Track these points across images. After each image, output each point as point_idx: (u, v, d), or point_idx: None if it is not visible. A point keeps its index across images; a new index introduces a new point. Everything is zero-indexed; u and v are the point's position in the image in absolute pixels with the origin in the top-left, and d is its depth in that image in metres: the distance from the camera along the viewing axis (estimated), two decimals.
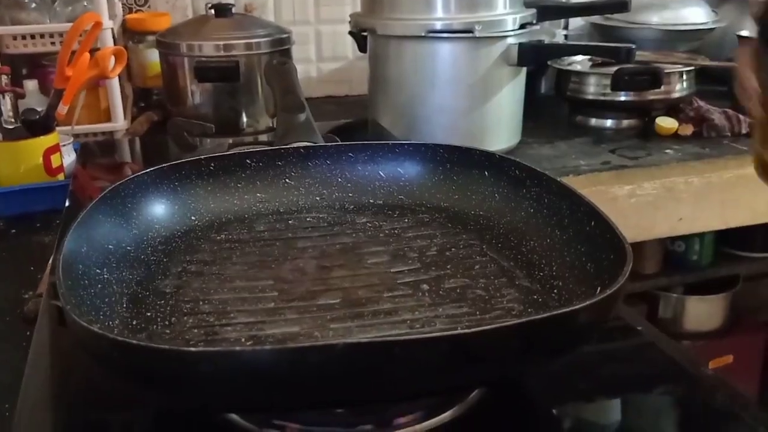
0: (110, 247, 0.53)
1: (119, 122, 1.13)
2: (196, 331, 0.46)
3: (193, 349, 0.34)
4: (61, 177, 0.93)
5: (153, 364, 0.35)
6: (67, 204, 0.83)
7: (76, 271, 0.47)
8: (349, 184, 0.66)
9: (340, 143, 0.68)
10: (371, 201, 0.65)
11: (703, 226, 1.22)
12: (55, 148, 0.92)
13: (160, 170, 0.60)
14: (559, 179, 0.56)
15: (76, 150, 1.01)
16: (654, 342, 0.55)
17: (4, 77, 0.94)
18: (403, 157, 0.66)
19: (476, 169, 0.64)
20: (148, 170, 0.60)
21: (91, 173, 0.98)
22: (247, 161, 0.65)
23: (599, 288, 0.47)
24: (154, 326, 0.47)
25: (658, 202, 1.18)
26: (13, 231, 0.92)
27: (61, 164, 0.94)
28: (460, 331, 0.36)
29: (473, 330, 0.36)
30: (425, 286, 0.52)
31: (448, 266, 0.54)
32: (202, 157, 0.63)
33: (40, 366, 0.52)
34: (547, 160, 1.14)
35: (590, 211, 0.52)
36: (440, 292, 0.51)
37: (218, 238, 0.59)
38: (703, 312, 1.45)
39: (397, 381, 0.38)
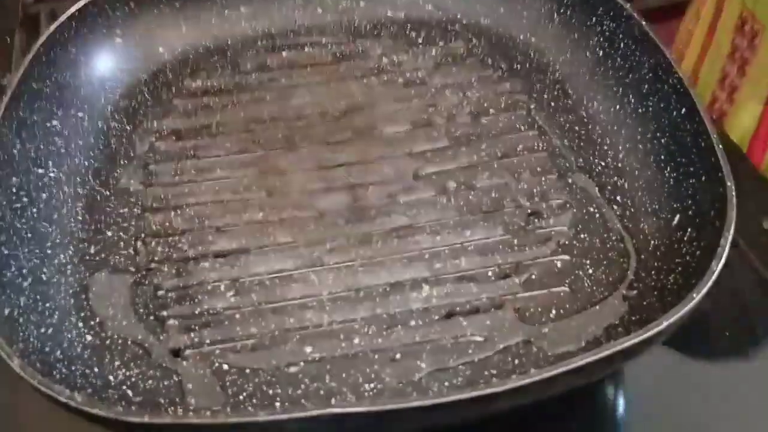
0: (55, 123, 0.42)
1: None
2: (165, 269, 0.37)
3: (158, 421, 0.26)
4: None
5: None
6: None
7: (7, 193, 0.37)
8: None
9: None
10: (389, 14, 0.50)
11: None
12: None
13: None
14: (644, 24, 0.40)
15: None
16: None
17: None
18: None
19: None
20: None
21: None
22: None
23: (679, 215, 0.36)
24: (116, 257, 0.38)
25: None
26: None
27: None
28: (497, 388, 0.27)
29: (505, 387, 0.27)
30: (452, 185, 0.41)
31: (484, 145, 0.42)
32: None
33: None
34: None
35: (681, 89, 0.38)
36: (470, 197, 0.40)
37: (194, 85, 0.47)
38: None
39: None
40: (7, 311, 0.32)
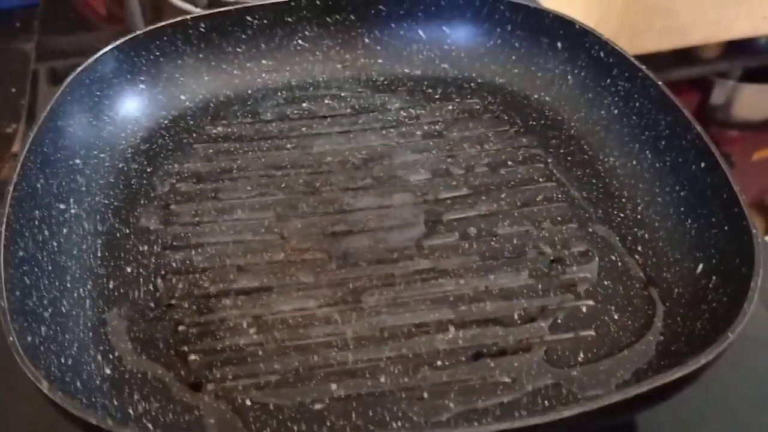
0: (77, 162, 0.42)
1: None
2: (186, 305, 0.37)
3: None
4: None
5: None
6: None
7: (30, 226, 0.36)
8: (378, 47, 0.52)
9: None
10: (406, 71, 0.52)
11: None
12: None
13: (133, 41, 0.47)
14: (661, 84, 0.42)
15: None
16: None
17: None
18: (450, 13, 0.51)
19: (547, 37, 0.49)
20: (117, 43, 0.46)
21: None
22: (248, 18, 0.50)
23: (702, 264, 0.36)
24: (136, 293, 0.38)
25: None
26: None
27: None
28: (559, 414, 0.26)
29: (574, 413, 0.26)
30: (473, 231, 0.41)
31: (503, 195, 0.43)
32: (188, 17, 0.49)
33: None
34: None
35: (701, 145, 0.39)
36: (492, 242, 0.40)
37: (214, 131, 0.47)
38: (757, 101, 1.34)
39: None
40: (29, 339, 0.31)
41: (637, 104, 0.44)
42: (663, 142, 0.42)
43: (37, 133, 0.39)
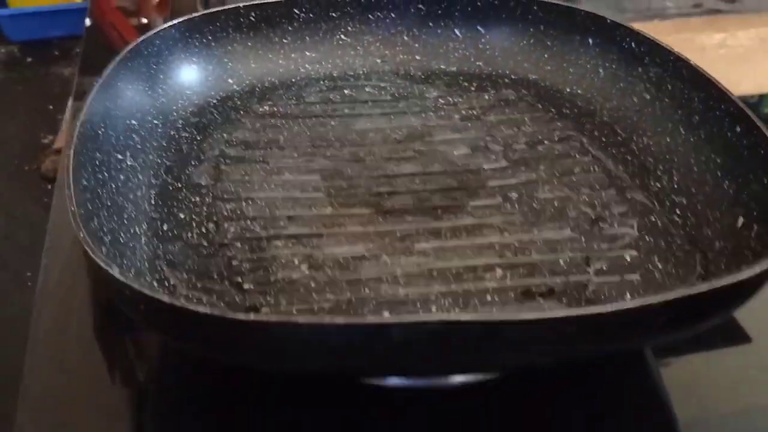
0: (134, 122, 0.44)
1: None
2: (239, 245, 0.38)
3: (244, 317, 0.26)
4: None
5: (189, 326, 0.27)
6: (87, 23, 0.71)
7: (92, 163, 0.38)
8: (416, 45, 0.54)
9: None
10: (443, 67, 0.54)
11: None
12: None
13: (190, 22, 0.49)
14: (692, 62, 0.44)
15: None
16: None
17: None
18: (485, 13, 0.54)
19: (578, 35, 0.51)
20: (175, 22, 0.48)
21: None
22: (295, 11, 0.53)
23: (743, 218, 0.37)
24: (189, 234, 0.39)
25: (749, 54, 1.04)
26: (29, 60, 0.82)
27: None
28: (589, 310, 0.27)
29: (609, 310, 0.27)
30: (514, 195, 0.42)
31: (542, 167, 0.44)
32: (241, 5, 0.51)
33: (62, 235, 0.44)
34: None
35: (735, 111, 0.40)
36: (534, 204, 0.41)
37: (261, 110, 0.49)
38: None
39: (498, 358, 0.30)
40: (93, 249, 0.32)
41: (670, 87, 0.46)
42: (697, 117, 0.43)
43: (101, 85, 0.41)
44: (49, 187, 0.54)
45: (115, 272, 0.28)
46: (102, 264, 0.28)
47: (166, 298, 0.27)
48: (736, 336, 0.39)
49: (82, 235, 0.30)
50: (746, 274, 0.28)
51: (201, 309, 0.26)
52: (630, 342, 0.30)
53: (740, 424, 0.35)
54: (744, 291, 0.29)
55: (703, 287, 0.27)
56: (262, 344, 0.26)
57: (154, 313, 0.28)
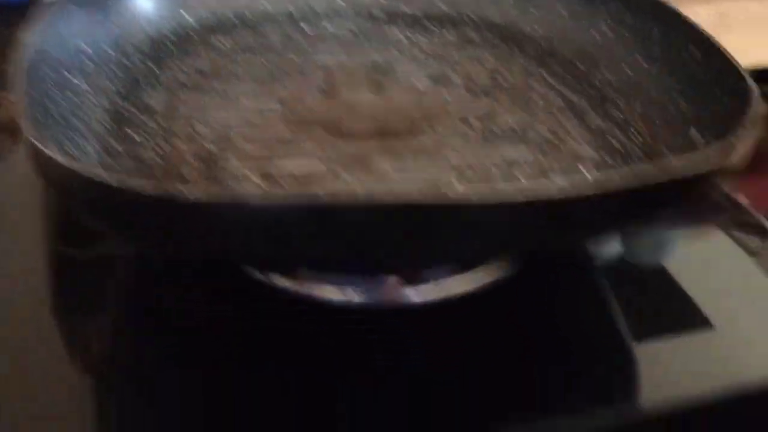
0: (86, 48, 0.42)
1: None
2: (193, 161, 0.37)
3: (189, 196, 0.25)
4: None
5: (135, 209, 0.26)
6: None
7: (42, 76, 0.37)
8: None
9: None
10: (405, 10, 0.53)
11: (757, 60, 1.10)
12: None
13: None
14: None
15: None
16: None
17: None
18: None
19: None
20: None
21: None
22: None
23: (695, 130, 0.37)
24: (141, 151, 0.37)
25: (708, 30, 1.05)
26: None
27: None
28: (548, 193, 0.26)
29: (572, 194, 0.26)
30: (475, 121, 0.42)
31: (503, 97, 0.44)
32: None
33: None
34: None
35: (693, 34, 0.41)
36: (493, 129, 0.41)
37: (218, 43, 0.48)
38: None
39: (451, 247, 0.29)
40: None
41: (629, 19, 0.46)
42: (656, 48, 0.43)
43: (51, 6, 0.40)
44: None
45: (64, 160, 0.27)
46: (50, 153, 0.27)
47: (115, 180, 0.25)
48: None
49: (30, 133, 0.28)
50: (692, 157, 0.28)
51: (148, 187, 0.25)
52: (586, 230, 0.30)
53: None
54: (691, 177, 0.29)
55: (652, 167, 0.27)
56: (209, 222, 0.26)
57: (103, 199, 0.27)
